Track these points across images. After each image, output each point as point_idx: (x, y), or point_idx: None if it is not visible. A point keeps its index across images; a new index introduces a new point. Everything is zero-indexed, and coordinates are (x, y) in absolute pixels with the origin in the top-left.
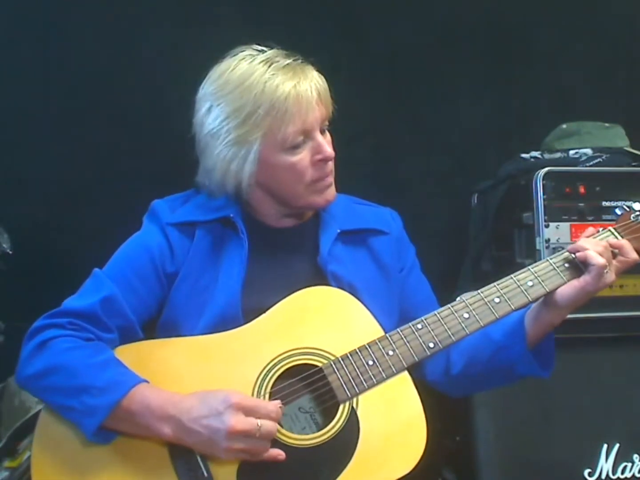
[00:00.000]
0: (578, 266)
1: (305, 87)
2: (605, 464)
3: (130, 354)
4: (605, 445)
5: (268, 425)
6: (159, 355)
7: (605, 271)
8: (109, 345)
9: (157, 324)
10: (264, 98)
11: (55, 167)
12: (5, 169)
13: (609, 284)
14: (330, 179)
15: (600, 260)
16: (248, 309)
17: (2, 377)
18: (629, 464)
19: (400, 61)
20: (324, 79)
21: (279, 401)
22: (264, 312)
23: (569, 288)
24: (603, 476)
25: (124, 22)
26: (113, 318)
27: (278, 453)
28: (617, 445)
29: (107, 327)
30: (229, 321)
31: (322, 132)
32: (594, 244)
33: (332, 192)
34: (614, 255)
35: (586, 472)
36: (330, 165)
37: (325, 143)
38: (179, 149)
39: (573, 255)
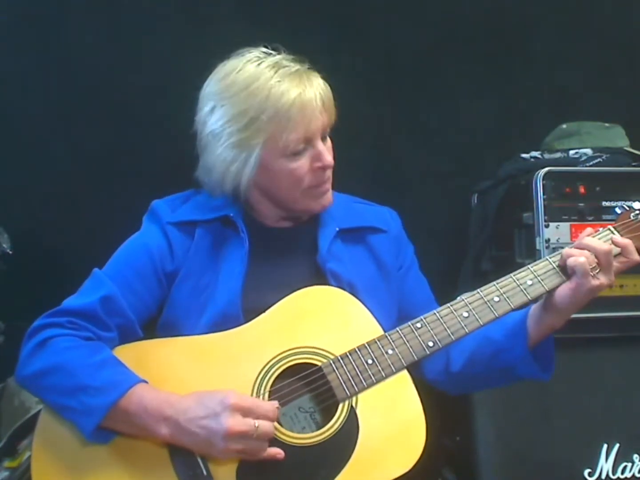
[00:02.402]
0: None
1: (310, 95)
2: (605, 464)
3: (130, 354)
4: (605, 445)
5: (265, 425)
6: (159, 354)
7: (591, 268)
8: (108, 344)
9: (158, 323)
10: (269, 104)
11: (55, 167)
12: (5, 169)
13: (605, 285)
14: (327, 186)
15: (580, 260)
16: (248, 308)
17: (2, 377)
18: (629, 464)
19: (401, 61)
20: (328, 87)
21: (275, 401)
22: (264, 311)
23: (565, 290)
24: (603, 476)
25: (123, 22)
26: (112, 317)
27: (277, 452)
28: (617, 445)
29: (106, 326)
30: (229, 320)
31: (324, 138)
32: (585, 243)
33: (328, 198)
34: (615, 256)
35: (586, 472)
36: (329, 172)
37: (326, 151)
38: (179, 149)
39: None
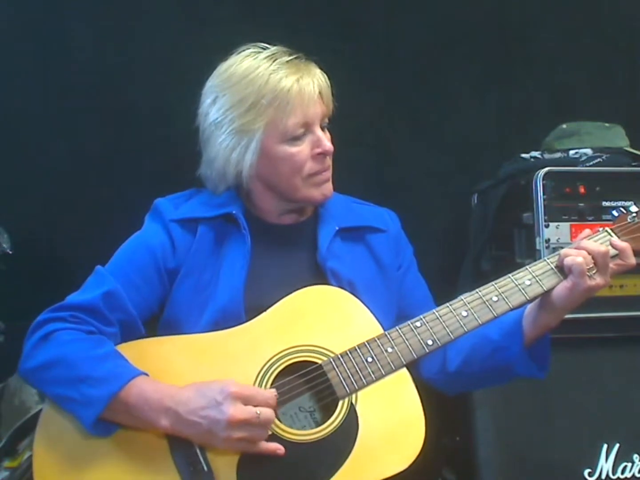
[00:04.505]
0: None
1: (307, 81)
2: (605, 464)
3: (131, 351)
4: (605, 445)
5: (266, 412)
6: (160, 352)
7: (588, 268)
8: (111, 338)
9: (160, 321)
10: (268, 89)
11: (55, 167)
12: (5, 169)
13: (601, 285)
14: (328, 174)
15: (577, 259)
16: (250, 306)
17: (2, 377)
18: (629, 464)
19: (401, 61)
20: (326, 77)
21: (274, 389)
22: (266, 309)
23: (562, 289)
24: (603, 476)
25: (124, 22)
26: (115, 312)
27: (277, 447)
28: (617, 445)
29: (108, 321)
30: (231, 318)
31: (322, 129)
32: (582, 245)
33: (329, 187)
34: (612, 257)
35: (586, 472)
36: (329, 160)
37: (325, 137)
38: (179, 149)
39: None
